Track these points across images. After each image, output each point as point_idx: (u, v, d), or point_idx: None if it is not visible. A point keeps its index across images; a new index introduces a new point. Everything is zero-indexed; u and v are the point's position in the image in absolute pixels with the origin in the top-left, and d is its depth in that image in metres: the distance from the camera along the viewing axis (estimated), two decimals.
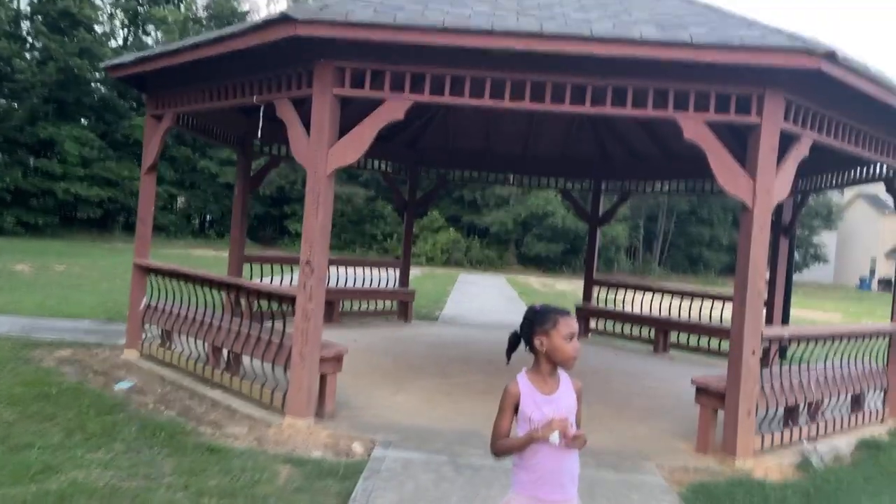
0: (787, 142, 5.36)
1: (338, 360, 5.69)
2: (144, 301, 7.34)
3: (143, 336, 7.41)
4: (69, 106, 32.37)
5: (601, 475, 4.79)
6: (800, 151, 5.37)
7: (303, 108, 5.49)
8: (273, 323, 5.86)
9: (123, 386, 6.32)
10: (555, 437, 2.35)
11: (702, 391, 5.56)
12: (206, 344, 6.56)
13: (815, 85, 5.16)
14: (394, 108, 5.25)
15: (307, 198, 5.29)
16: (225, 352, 6.42)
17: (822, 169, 8.77)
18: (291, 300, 5.46)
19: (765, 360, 8.55)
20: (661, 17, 5.34)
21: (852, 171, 8.32)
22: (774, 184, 5.16)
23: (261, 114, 5.89)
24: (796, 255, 50.04)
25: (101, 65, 8.87)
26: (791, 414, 6.10)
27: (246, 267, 10.11)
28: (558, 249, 38.14)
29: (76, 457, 4.43)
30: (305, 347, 5.28)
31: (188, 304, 6.90)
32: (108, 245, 29.25)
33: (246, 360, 6.22)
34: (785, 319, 12.30)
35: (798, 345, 6.43)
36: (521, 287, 25.65)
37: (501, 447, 2.46)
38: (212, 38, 5.63)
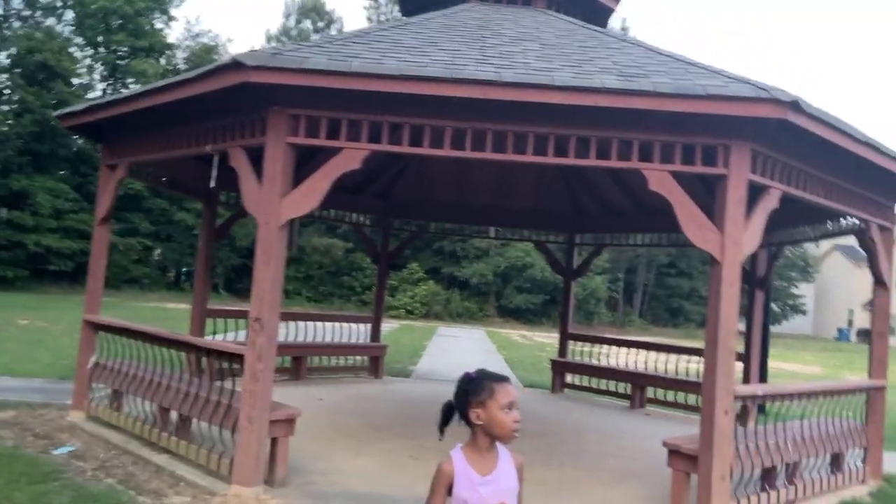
0: (756, 193, 5.23)
1: (290, 422, 5.36)
2: (93, 359, 6.98)
3: (91, 396, 7.02)
4: (44, 158, 32.10)
5: None
6: (769, 203, 5.23)
7: (259, 157, 5.28)
8: (231, 382, 5.52)
9: (63, 451, 5.92)
10: None
11: (674, 453, 5.28)
12: (153, 405, 6.19)
13: (782, 135, 5.05)
14: (350, 158, 5.06)
15: (258, 249, 5.05)
16: (173, 413, 6.06)
17: (797, 221, 8.67)
18: (241, 358, 5.15)
19: (743, 419, 8.31)
20: (624, 66, 5.25)
21: (827, 224, 8.22)
22: (744, 236, 4.99)
23: (214, 162, 5.66)
24: (774, 307, 50.33)
25: (54, 114, 8.67)
26: (768, 476, 5.82)
27: (219, 322, 9.74)
28: (538, 301, 37.97)
29: None
30: (253, 411, 4.96)
31: (141, 362, 6.56)
32: (79, 297, 28.53)
33: (196, 422, 5.86)
34: (763, 373, 12.10)
35: (775, 402, 6.21)
36: (501, 340, 25.35)
37: None
38: (163, 84, 5.45)
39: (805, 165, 5.50)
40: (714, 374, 4.93)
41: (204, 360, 5.90)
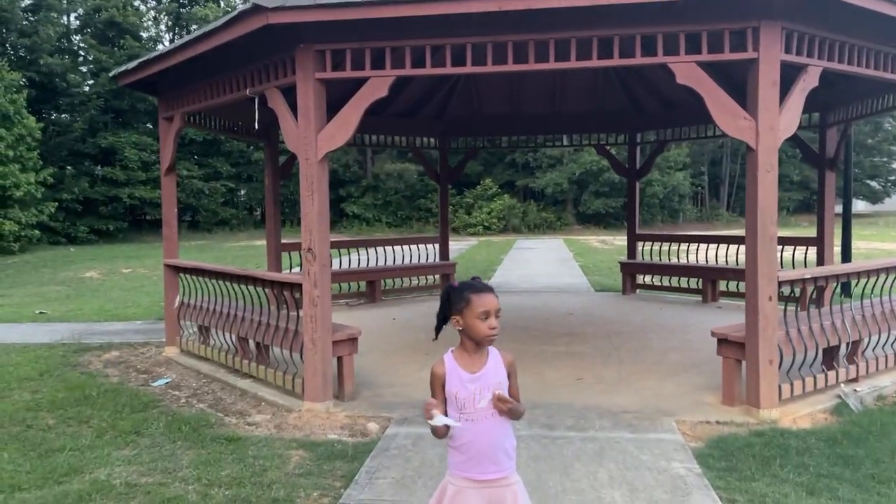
0: (794, 74, 5.06)
1: (352, 341, 5.75)
2: (178, 299, 7.59)
3: (182, 333, 7.67)
4: (125, 114, 33.54)
5: (615, 436, 4.70)
6: (807, 83, 5.06)
7: (293, 96, 5.50)
8: (297, 311, 5.94)
9: (160, 383, 6.58)
10: (483, 402, 2.33)
11: (723, 342, 5.37)
12: (233, 336, 6.73)
13: (816, 9, 4.83)
14: (377, 86, 5.20)
15: (301, 185, 5.32)
16: (251, 342, 6.58)
17: (863, 95, 8.25)
18: (300, 287, 5.53)
19: (820, 301, 8.24)
20: None
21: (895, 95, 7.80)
22: (779, 120, 4.88)
23: (256, 104, 5.92)
24: (874, 184, 47.66)
25: (109, 75, 9.09)
26: (829, 356, 5.84)
27: (295, 255, 10.15)
28: (618, 204, 37.36)
29: (102, 456, 4.64)
30: (316, 333, 5.35)
31: (221, 298, 7.09)
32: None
33: (275, 348, 6.36)
34: (845, 255, 11.77)
35: (868, 279, 6.15)
36: (579, 247, 25.33)
37: (431, 429, 2.44)
38: (196, 35, 5.70)
39: (848, 37, 5.24)
40: (755, 261, 4.94)
41: (284, 292, 6.32)
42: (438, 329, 2.50)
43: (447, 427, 2.35)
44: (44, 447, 4.83)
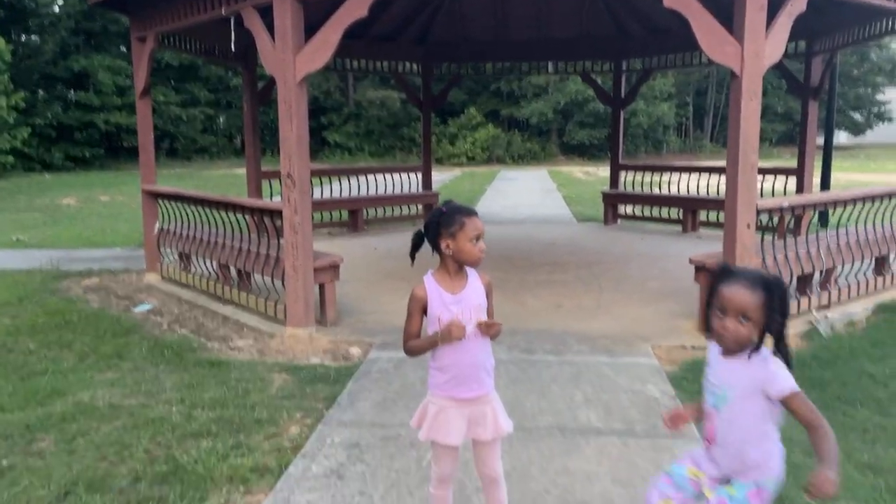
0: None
1: (333, 268, 5.76)
2: (157, 226, 7.52)
3: (162, 259, 7.64)
4: (98, 36, 32.45)
5: (592, 360, 4.81)
6: (794, 7, 4.97)
7: (271, 17, 5.33)
8: (277, 238, 5.91)
9: (142, 309, 6.58)
10: (469, 326, 2.36)
11: (700, 269, 5.45)
12: (214, 263, 6.72)
13: None
14: (357, 5, 5.05)
15: (280, 108, 5.22)
16: (233, 269, 6.57)
17: (850, 22, 8.14)
18: (280, 214, 5.49)
19: (797, 230, 8.30)
20: None
21: (882, 23, 7.69)
22: (765, 47, 4.81)
23: (232, 25, 5.74)
24: (857, 116, 47.62)
25: None
26: (802, 284, 5.95)
27: (275, 183, 10.03)
28: (601, 135, 37.13)
29: (85, 379, 4.68)
30: (297, 260, 5.35)
31: (200, 225, 7.04)
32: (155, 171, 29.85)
33: (256, 275, 6.36)
34: (825, 185, 11.85)
35: (844, 208, 6.22)
36: (563, 178, 25.28)
37: (410, 348, 2.46)
38: None
39: None
40: (735, 189, 4.96)
41: (265, 219, 6.26)
42: (414, 251, 2.49)
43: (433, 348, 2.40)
44: (25, 370, 4.85)
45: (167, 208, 7.51)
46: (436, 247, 2.43)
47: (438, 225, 2.41)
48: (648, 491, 2.36)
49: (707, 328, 2.13)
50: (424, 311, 2.44)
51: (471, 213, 2.44)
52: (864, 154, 37.95)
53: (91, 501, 3.09)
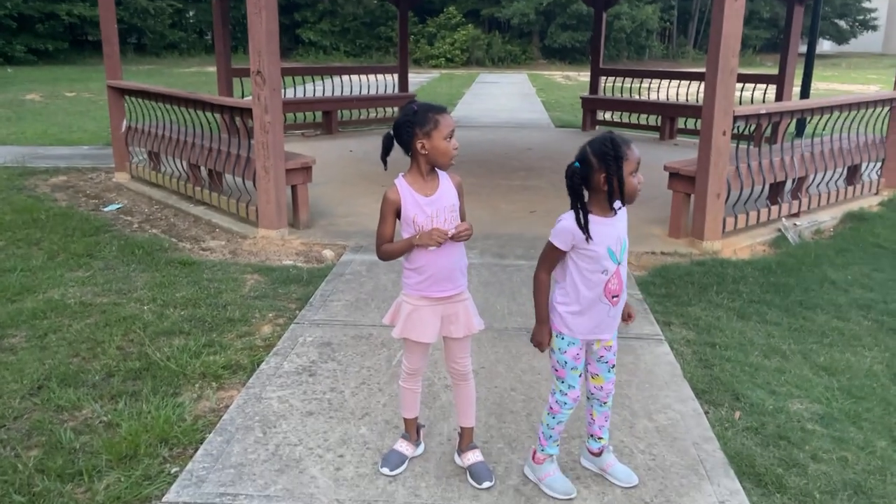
0: None
1: (306, 170, 5.68)
2: (125, 123, 7.32)
3: (131, 158, 7.47)
4: None
5: None
6: None
7: None
8: (248, 139, 5.79)
9: (111, 208, 6.49)
10: (450, 232, 2.35)
11: (674, 176, 5.46)
12: (184, 163, 6.59)
13: None
14: None
15: (248, 0, 4.98)
16: (203, 169, 6.45)
17: None
18: (251, 113, 5.35)
19: (774, 138, 8.31)
20: None
21: None
22: None
23: None
24: (842, 24, 46.89)
25: None
26: (774, 191, 6.00)
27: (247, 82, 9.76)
28: (584, 38, 36.22)
29: (55, 276, 4.65)
30: (268, 161, 5.26)
31: (170, 124, 6.85)
32: (123, 67, 28.78)
33: (227, 176, 6.26)
34: (804, 94, 11.79)
35: (819, 117, 6.19)
36: (542, 83, 24.84)
37: (385, 252, 2.45)
38: None
39: None
40: (713, 95, 4.90)
41: (235, 118, 6.09)
42: (386, 154, 2.44)
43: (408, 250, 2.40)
44: None
45: (134, 105, 7.28)
46: (408, 148, 2.38)
47: (412, 124, 2.35)
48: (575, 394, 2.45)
49: (581, 211, 2.25)
50: (398, 215, 2.41)
51: (442, 110, 2.39)
52: (846, 63, 37.65)
53: (64, 395, 3.13)
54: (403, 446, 2.64)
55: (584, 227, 2.24)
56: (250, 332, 3.85)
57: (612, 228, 2.31)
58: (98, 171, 8.06)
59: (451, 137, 2.37)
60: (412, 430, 2.67)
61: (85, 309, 4.13)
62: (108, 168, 8.01)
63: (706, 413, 3.04)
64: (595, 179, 2.25)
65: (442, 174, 2.45)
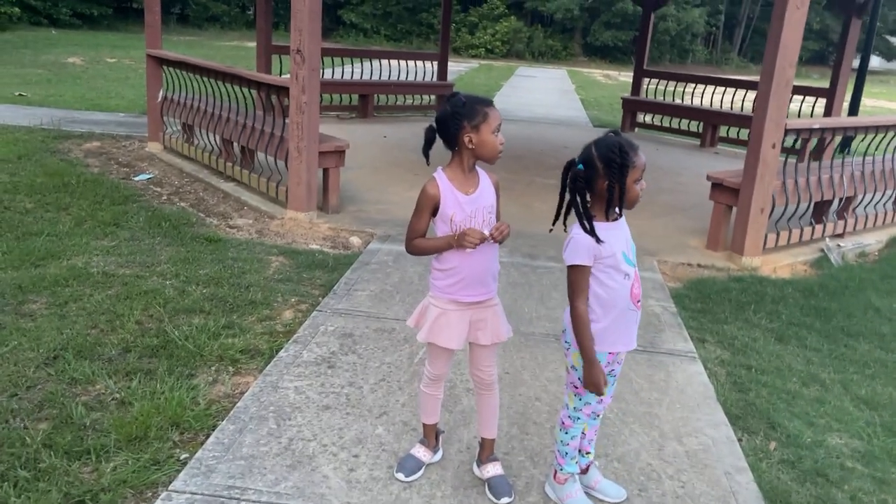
0: None
1: (339, 154, 5.58)
2: (161, 93, 7.28)
3: (166, 129, 7.43)
4: None
5: None
6: None
7: None
8: (283, 118, 5.69)
9: (142, 178, 6.45)
10: (486, 232, 2.23)
11: (717, 186, 5.27)
12: (217, 137, 6.52)
13: None
14: None
15: None
16: (236, 146, 6.39)
17: None
18: (287, 92, 5.25)
19: (820, 154, 8.07)
20: None
21: None
22: None
23: None
24: (894, 41, 45.67)
25: None
26: (819, 210, 5.79)
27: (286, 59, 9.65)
28: (627, 38, 35.77)
29: (81, 244, 4.60)
30: (301, 142, 5.16)
31: (206, 97, 6.79)
32: (164, 37, 28.98)
33: (260, 154, 6.19)
34: (853, 110, 11.45)
35: (866, 137, 5.95)
36: (582, 80, 24.56)
37: (417, 247, 2.33)
38: None
39: None
40: (766, 106, 4.71)
41: (272, 96, 6.00)
42: (428, 148, 2.31)
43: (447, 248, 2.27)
44: (21, 230, 4.77)
45: (172, 76, 7.23)
46: (454, 140, 2.25)
47: (461, 117, 2.22)
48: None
49: (586, 218, 2.14)
50: (434, 210, 2.29)
51: (490, 103, 2.27)
52: (895, 80, 36.73)
53: (79, 367, 3.06)
54: (421, 451, 2.53)
55: (591, 232, 2.12)
56: (271, 316, 3.76)
57: (619, 232, 2.20)
58: (132, 139, 8.04)
59: (498, 132, 2.25)
60: (431, 436, 2.56)
61: (107, 279, 4.07)
62: (142, 137, 7.99)
63: (740, 440, 2.89)
64: (598, 184, 2.14)
65: (481, 172, 2.33)
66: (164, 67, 7.27)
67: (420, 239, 2.33)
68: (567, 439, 2.35)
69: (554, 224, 2.22)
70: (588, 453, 2.45)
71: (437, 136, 2.30)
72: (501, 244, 2.33)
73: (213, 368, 3.17)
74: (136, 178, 6.43)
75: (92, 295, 3.84)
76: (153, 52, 7.17)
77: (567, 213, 2.21)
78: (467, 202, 2.28)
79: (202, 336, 3.42)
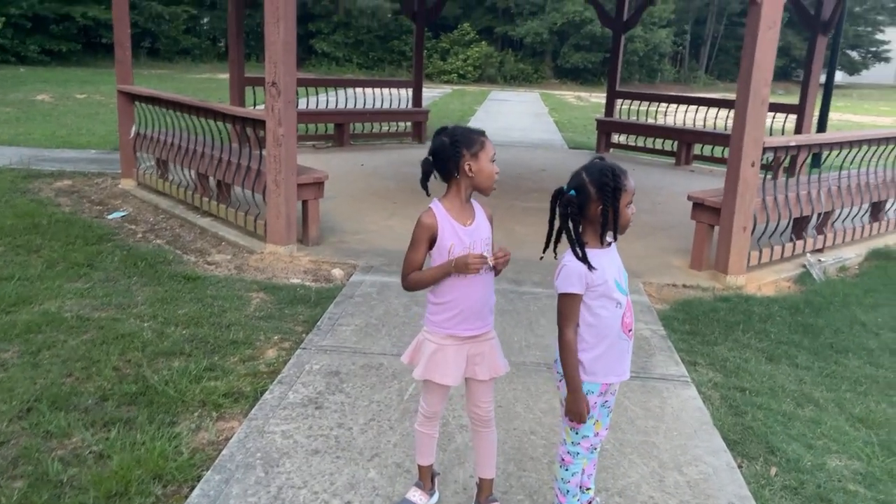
0: None
1: (318, 185, 5.51)
2: (133, 129, 7.17)
3: (139, 165, 7.32)
4: None
5: None
6: None
7: None
8: (259, 150, 5.62)
9: (116, 216, 6.32)
10: (490, 261, 2.19)
11: (698, 206, 5.27)
12: (193, 172, 6.42)
13: None
14: None
15: (266, 10, 4.84)
16: (212, 180, 6.29)
17: None
18: (263, 124, 5.19)
19: (792, 170, 8.14)
20: None
21: None
22: None
23: None
24: (855, 55, 46.86)
25: None
26: (798, 226, 5.81)
27: (259, 91, 9.62)
28: (597, 59, 36.23)
29: (53, 287, 4.46)
30: (280, 175, 5.08)
31: (179, 132, 6.70)
32: (134, 71, 28.77)
33: (236, 187, 6.09)
34: (821, 125, 11.62)
35: (840, 152, 6.01)
36: (554, 102, 24.77)
37: (414, 281, 2.26)
38: None
39: None
40: (743, 125, 4.73)
41: (247, 129, 5.91)
42: (426, 180, 2.25)
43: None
44: None
45: (145, 111, 7.14)
46: (454, 169, 2.20)
47: (460, 145, 2.18)
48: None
49: (577, 245, 2.11)
50: (431, 242, 2.23)
51: (483, 133, 2.24)
52: (857, 94, 37.57)
53: (54, 419, 2.94)
54: (417, 495, 2.44)
55: (584, 259, 2.08)
56: (254, 356, 3.66)
57: (611, 259, 2.17)
58: (104, 176, 7.90)
59: (494, 161, 2.23)
60: (426, 478, 2.47)
61: (82, 324, 3.94)
62: (115, 174, 7.85)
63: (740, 467, 2.83)
64: (591, 210, 2.10)
65: (475, 205, 2.28)
66: (136, 103, 7.17)
67: (417, 272, 2.26)
68: (568, 476, 2.28)
69: (545, 251, 2.17)
70: (588, 489, 2.38)
71: (433, 168, 2.25)
72: (498, 274, 2.28)
73: (195, 414, 3.06)
74: (110, 217, 6.30)
75: (66, 341, 3.71)
76: (124, 87, 7.07)
77: (558, 241, 2.16)
78: (465, 233, 2.24)
79: (183, 380, 3.30)
